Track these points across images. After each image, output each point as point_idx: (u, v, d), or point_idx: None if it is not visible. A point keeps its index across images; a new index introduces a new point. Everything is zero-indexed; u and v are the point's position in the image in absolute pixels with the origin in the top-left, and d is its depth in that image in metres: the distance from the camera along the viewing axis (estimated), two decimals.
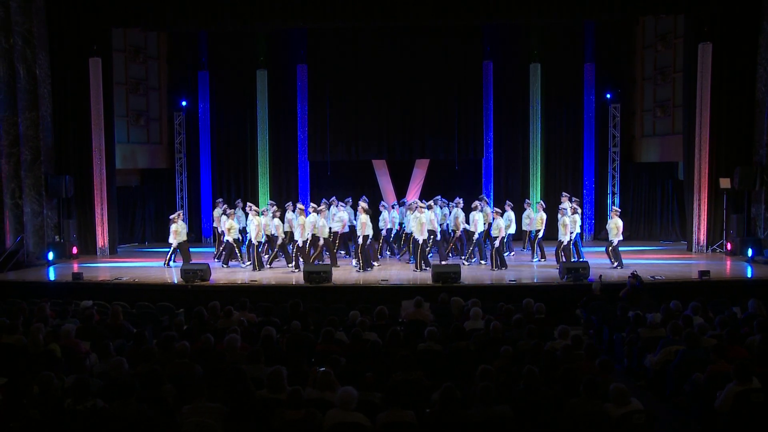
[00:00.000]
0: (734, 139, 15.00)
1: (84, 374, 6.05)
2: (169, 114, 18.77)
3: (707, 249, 15.35)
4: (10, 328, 7.79)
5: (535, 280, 12.69)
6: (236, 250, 14.15)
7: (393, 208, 15.50)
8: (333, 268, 12.77)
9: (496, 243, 13.38)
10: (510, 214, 14.24)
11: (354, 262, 13.97)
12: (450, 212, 14.66)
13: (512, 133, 18.23)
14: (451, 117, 17.53)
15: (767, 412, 5.81)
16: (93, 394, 5.46)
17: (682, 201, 16.52)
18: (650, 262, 14.23)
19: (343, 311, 9.37)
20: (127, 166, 18.01)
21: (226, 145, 18.70)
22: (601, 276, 12.01)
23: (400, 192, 17.89)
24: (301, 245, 13.44)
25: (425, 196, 16.56)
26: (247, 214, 14.39)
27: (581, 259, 13.34)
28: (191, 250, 14.67)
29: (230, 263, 14.33)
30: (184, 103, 18.46)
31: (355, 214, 14.41)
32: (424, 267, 13.24)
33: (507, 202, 14.75)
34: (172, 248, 14.20)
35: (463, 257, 14.29)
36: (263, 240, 13.94)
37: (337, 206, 14.50)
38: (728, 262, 14.19)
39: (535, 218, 14.54)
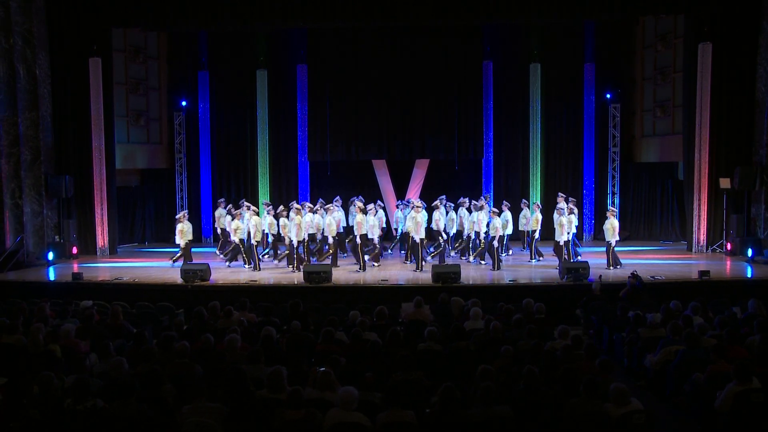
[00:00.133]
0: (734, 139, 15.00)
1: (84, 374, 6.05)
2: (169, 114, 18.77)
3: (707, 249, 15.35)
4: (10, 328, 7.79)
5: (535, 280, 12.69)
6: (242, 251, 14.04)
7: (397, 207, 15.56)
8: (333, 268, 12.78)
9: (495, 243, 13.39)
10: (507, 214, 14.24)
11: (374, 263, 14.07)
12: (456, 213, 14.73)
13: (512, 133, 18.22)
14: (451, 117, 17.53)
15: (767, 412, 5.81)
16: (93, 394, 5.46)
17: (682, 201, 16.52)
18: (650, 262, 14.23)
19: (343, 311, 9.37)
20: (127, 166, 18.01)
21: (226, 145, 18.69)
22: (601, 276, 12.03)
23: (400, 192, 17.88)
24: (296, 245, 13.45)
25: (425, 196, 16.56)
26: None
27: (576, 260, 13.34)
28: (191, 250, 14.64)
29: (232, 263, 14.33)
30: (184, 103, 18.45)
31: (347, 215, 14.50)
32: (429, 260, 13.31)
33: (504, 202, 14.76)
34: (183, 249, 14.14)
35: (464, 257, 14.30)
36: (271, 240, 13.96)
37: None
38: (728, 262, 14.20)
39: (531, 219, 14.54)
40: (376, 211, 14.34)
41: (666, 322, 7.99)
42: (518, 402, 5.59)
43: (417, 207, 13.53)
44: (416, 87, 17.49)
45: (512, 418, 5.31)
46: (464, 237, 14.55)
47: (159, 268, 14.33)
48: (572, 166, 18.29)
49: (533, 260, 14.38)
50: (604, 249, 13.76)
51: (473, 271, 13.37)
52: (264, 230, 14.23)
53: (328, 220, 13.64)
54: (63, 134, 15.72)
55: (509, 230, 14.41)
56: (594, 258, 13.56)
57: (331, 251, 13.87)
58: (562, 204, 13.93)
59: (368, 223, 13.71)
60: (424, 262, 13.48)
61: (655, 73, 17.75)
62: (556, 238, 13.59)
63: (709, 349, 6.70)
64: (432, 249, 14.39)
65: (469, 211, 14.36)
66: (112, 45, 16.43)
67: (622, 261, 13.59)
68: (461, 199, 14.70)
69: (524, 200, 15.37)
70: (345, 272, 13.40)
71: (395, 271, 13.66)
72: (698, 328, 7.51)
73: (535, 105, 17.98)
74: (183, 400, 5.54)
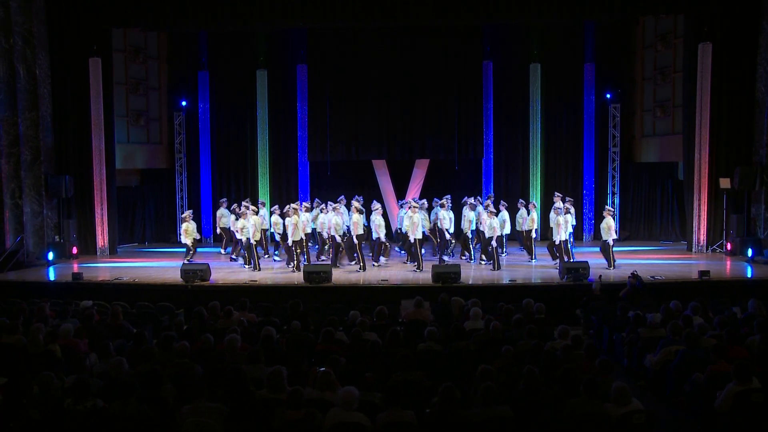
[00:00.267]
0: (734, 139, 15.00)
1: (84, 374, 6.06)
2: (169, 114, 18.76)
3: (707, 249, 15.35)
4: (10, 328, 7.79)
5: (535, 280, 12.68)
6: (253, 250, 13.99)
7: (401, 207, 15.58)
8: (333, 268, 12.77)
9: (494, 243, 13.40)
10: (504, 214, 14.24)
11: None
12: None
13: (512, 133, 18.22)
14: (451, 117, 17.52)
15: (767, 412, 5.81)
16: (93, 394, 5.46)
17: (682, 201, 16.52)
18: (650, 262, 14.23)
19: (343, 311, 9.37)
20: (127, 166, 18.00)
21: (226, 145, 18.69)
22: (600, 276, 12.03)
23: (400, 192, 17.88)
24: (291, 244, 13.45)
25: (425, 196, 16.52)
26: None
27: (573, 260, 13.35)
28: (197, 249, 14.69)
29: (234, 262, 14.34)
30: (184, 103, 18.45)
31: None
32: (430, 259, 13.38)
33: (501, 202, 14.76)
34: (191, 248, 14.15)
35: (463, 257, 14.31)
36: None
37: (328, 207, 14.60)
38: (728, 262, 14.19)
39: (527, 219, 14.54)
40: (383, 211, 14.36)
41: (666, 322, 7.99)
42: (518, 402, 5.59)
43: (414, 207, 13.55)
44: (416, 87, 17.48)
45: (512, 418, 5.31)
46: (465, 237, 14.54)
47: (159, 268, 14.33)
48: (572, 166, 18.28)
49: (534, 260, 14.39)
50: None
51: (473, 271, 13.37)
52: (263, 229, 14.17)
53: (335, 220, 13.63)
54: (63, 134, 15.72)
55: (507, 230, 14.40)
56: (594, 258, 13.55)
57: (339, 250, 13.86)
58: (558, 203, 13.96)
59: (375, 222, 13.74)
60: (444, 260, 13.43)
61: (655, 73, 17.75)
62: (552, 238, 13.61)
63: (709, 349, 6.70)
64: (445, 249, 14.43)
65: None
66: (112, 45, 16.42)
67: (621, 261, 13.59)
68: (465, 199, 14.70)
69: (521, 200, 15.36)
70: (345, 272, 13.39)
71: (395, 271, 13.66)
72: (698, 328, 7.51)
73: (535, 105, 17.98)
74: (183, 400, 5.54)
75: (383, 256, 14.23)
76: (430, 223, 14.57)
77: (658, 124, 17.82)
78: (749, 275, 12.89)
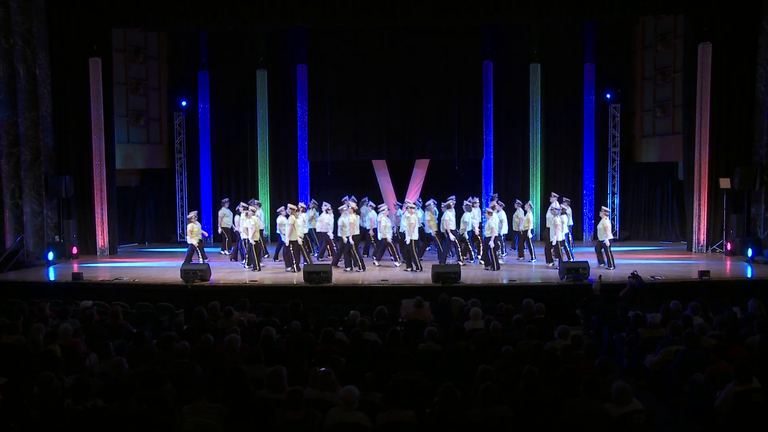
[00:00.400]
0: (734, 139, 15.00)
1: (84, 374, 6.05)
2: (169, 114, 18.76)
3: (707, 249, 15.35)
4: (10, 328, 7.79)
5: (534, 280, 12.68)
6: (254, 250, 13.96)
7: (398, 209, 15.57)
8: (333, 268, 12.77)
9: (491, 243, 13.41)
10: (501, 214, 14.22)
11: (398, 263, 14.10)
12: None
13: (512, 133, 18.22)
14: (451, 117, 17.52)
15: (767, 412, 5.81)
16: (93, 394, 5.46)
17: (682, 201, 16.52)
18: (650, 262, 14.23)
19: (343, 311, 9.38)
20: (127, 166, 18.00)
21: (226, 145, 18.68)
22: (600, 276, 12.04)
23: (400, 192, 17.87)
24: (288, 245, 13.44)
25: (425, 196, 16.52)
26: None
27: (571, 260, 13.36)
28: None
29: (235, 262, 14.32)
30: (184, 103, 18.45)
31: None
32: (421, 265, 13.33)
33: (498, 201, 14.75)
34: (198, 249, 14.12)
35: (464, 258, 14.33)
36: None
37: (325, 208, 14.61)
38: (728, 262, 14.20)
39: (523, 219, 14.53)
40: (388, 211, 14.36)
41: (666, 322, 7.99)
42: (518, 402, 5.59)
43: (410, 208, 13.55)
44: (416, 87, 17.48)
45: (512, 418, 5.31)
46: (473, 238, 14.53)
47: (159, 268, 14.33)
48: (572, 166, 18.28)
49: (534, 260, 14.40)
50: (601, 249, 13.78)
51: (473, 271, 13.37)
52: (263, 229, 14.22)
53: (341, 221, 13.63)
54: (63, 134, 15.72)
55: (504, 230, 14.39)
56: (593, 258, 13.56)
57: (345, 251, 13.86)
58: (555, 204, 13.98)
59: (381, 224, 13.77)
60: (463, 262, 13.49)
61: (655, 73, 17.75)
62: (549, 238, 13.61)
63: (709, 349, 6.70)
64: (453, 249, 14.40)
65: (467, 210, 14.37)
66: (112, 45, 16.42)
67: (621, 261, 13.60)
68: (470, 199, 14.69)
69: (518, 200, 15.34)
70: (345, 272, 13.39)
71: (395, 271, 13.65)
72: (698, 328, 7.51)
73: (535, 105, 17.98)
74: (183, 400, 5.54)
75: (394, 259, 14.18)
76: (438, 223, 14.45)
77: (658, 124, 17.82)
78: (749, 275, 12.89)
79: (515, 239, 15.31)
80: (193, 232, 13.97)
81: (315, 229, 14.80)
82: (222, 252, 15.94)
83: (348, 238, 13.38)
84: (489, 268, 13.48)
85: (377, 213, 14.16)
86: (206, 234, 14.67)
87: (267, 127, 18.42)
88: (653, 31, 17.63)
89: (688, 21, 15.61)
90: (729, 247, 14.88)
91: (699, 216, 15.35)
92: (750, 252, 14.04)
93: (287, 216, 13.74)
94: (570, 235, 14.61)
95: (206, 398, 5.42)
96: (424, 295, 9.73)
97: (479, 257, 14.13)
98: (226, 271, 13.75)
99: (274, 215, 17.52)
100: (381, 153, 17.82)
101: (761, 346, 6.94)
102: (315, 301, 11.15)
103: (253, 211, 13.98)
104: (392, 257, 14.17)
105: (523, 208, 14.80)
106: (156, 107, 18.79)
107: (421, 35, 17.45)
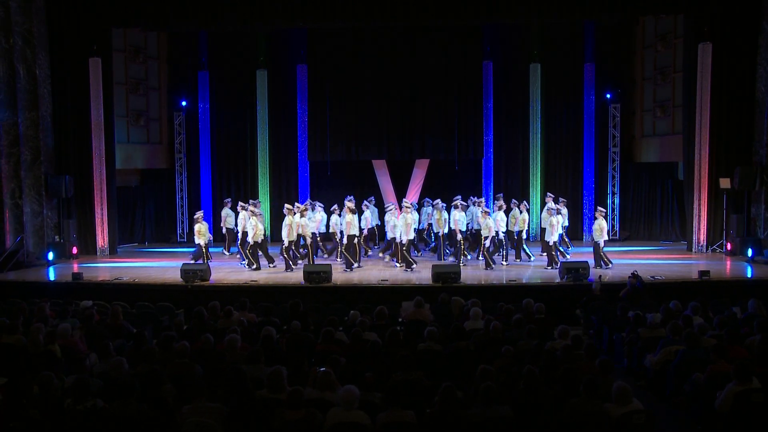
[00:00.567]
0: (734, 139, 15.01)
1: (84, 374, 6.05)
2: (169, 114, 18.76)
3: (707, 249, 15.35)
4: (10, 328, 7.79)
5: (535, 280, 12.68)
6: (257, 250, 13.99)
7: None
8: (332, 268, 12.77)
9: (487, 243, 13.42)
10: (500, 214, 14.21)
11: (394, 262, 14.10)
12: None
13: (512, 133, 18.23)
14: (451, 117, 17.52)
15: (767, 412, 5.81)
16: (93, 394, 5.47)
17: (682, 201, 16.51)
18: (650, 262, 14.23)
19: (343, 311, 9.38)
20: (127, 166, 18.00)
21: (226, 145, 18.68)
22: (600, 276, 12.04)
23: (400, 192, 17.87)
24: (286, 245, 13.44)
25: (425, 196, 16.56)
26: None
27: (567, 259, 13.35)
28: (190, 249, 14.67)
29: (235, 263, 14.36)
30: (184, 103, 18.45)
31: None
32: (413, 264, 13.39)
33: (495, 201, 14.74)
34: (204, 249, 14.13)
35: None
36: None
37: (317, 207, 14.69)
38: (728, 262, 14.19)
39: (518, 219, 14.53)
40: (363, 211, 14.39)
41: (666, 322, 7.99)
42: (518, 402, 5.59)
43: (407, 208, 13.56)
44: (416, 87, 17.50)
45: (512, 418, 5.31)
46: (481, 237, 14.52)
47: (159, 268, 14.33)
48: (572, 166, 18.29)
49: (532, 259, 14.40)
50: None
51: (473, 271, 13.37)
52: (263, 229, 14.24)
53: (348, 219, 13.65)
54: (63, 134, 15.71)
55: (502, 230, 14.37)
56: (593, 258, 13.55)
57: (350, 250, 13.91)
58: (551, 204, 14.01)
59: (390, 223, 13.84)
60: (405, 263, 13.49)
61: (655, 73, 17.75)
62: (545, 238, 13.63)
63: (709, 349, 6.70)
64: (451, 249, 14.41)
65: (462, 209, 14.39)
66: (112, 45, 16.42)
67: (621, 261, 13.59)
68: (472, 198, 14.67)
69: (514, 200, 15.33)
70: (345, 272, 13.39)
71: (395, 271, 13.65)
72: (698, 328, 7.51)
73: (535, 105, 17.98)
74: (183, 400, 5.54)
75: (395, 260, 14.19)
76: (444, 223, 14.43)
77: (658, 124, 17.81)
78: (749, 275, 12.89)
79: (513, 239, 15.29)
80: (201, 232, 13.99)
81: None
82: (224, 252, 15.93)
83: (345, 236, 13.43)
84: (499, 262, 13.54)
85: (354, 213, 14.10)
86: (210, 237, 14.66)
87: (267, 127, 18.42)
88: (653, 31, 17.63)
89: (688, 21, 15.61)
90: (729, 247, 14.88)
91: (699, 216, 15.35)
92: (750, 252, 14.04)
93: (337, 214, 13.90)
94: (564, 236, 14.65)
95: (206, 398, 5.42)
96: (424, 295, 9.72)
97: (477, 257, 14.14)
98: (226, 271, 13.75)
99: (274, 215, 17.64)
100: (381, 153, 17.83)
101: (761, 346, 6.94)
102: (315, 301, 11.16)
103: (252, 212, 13.98)
104: (394, 258, 14.16)
105: (518, 207, 14.79)
106: (156, 107, 18.79)
107: (421, 35, 17.47)
